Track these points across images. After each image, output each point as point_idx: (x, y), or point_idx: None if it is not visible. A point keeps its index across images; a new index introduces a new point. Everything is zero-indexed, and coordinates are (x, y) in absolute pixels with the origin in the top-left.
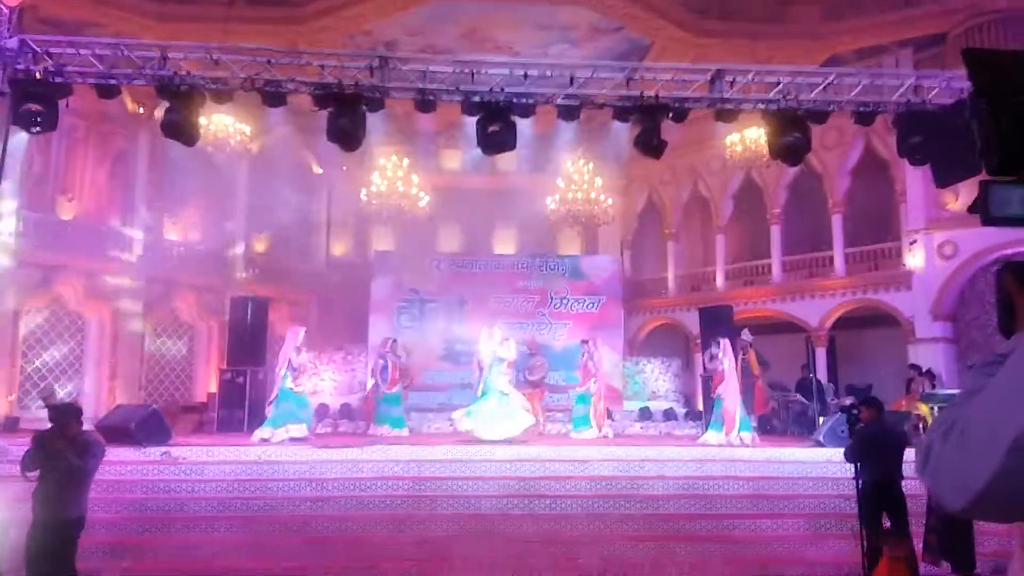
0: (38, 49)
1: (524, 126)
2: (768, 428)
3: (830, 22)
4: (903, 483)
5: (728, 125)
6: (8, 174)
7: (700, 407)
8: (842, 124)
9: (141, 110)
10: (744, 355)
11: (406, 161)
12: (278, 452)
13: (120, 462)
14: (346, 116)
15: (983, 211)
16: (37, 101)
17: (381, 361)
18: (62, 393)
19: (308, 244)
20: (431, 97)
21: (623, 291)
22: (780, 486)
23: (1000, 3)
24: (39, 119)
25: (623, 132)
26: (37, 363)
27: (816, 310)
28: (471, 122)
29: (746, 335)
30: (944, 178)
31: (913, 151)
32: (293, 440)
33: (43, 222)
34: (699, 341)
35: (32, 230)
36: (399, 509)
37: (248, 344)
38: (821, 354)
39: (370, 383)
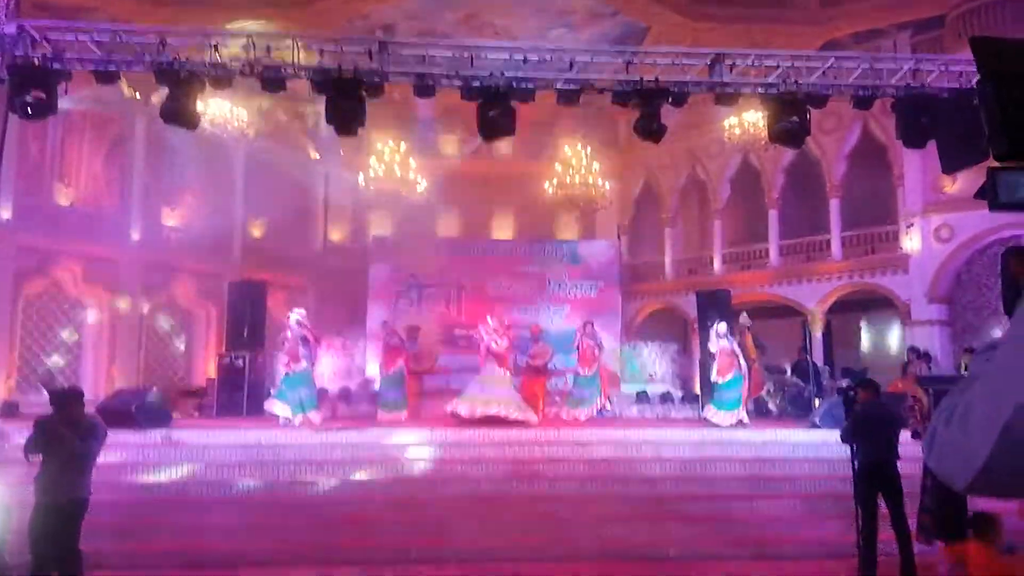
0: (36, 35)
1: (522, 110)
2: (764, 411)
3: (827, 6)
4: (898, 464)
5: (726, 108)
6: (5, 160)
7: (697, 390)
8: (840, 108)
9: (138, 95)
10: (741, 338)
11: (404, 146)
12: (278, 435)
13: (122, 445)
14: (345, 101)
15: (991, 197)
16: (35, 87)
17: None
18: (60, 378)
19: (306, 229)
20: (430, 82)
21: (620, 275)
22: (776, 467)
23: None
24: (38, 106)
25: (621, 115)
26: (36, 348)
27: (813, 294)
28: (469, 107)
29: (744, 319)
30: (952, 164)
31: (913, 135)
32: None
33: (40, 208)
34: (696, 325)
35: (29, 216)
36: (399, 491)
37: (247, 329)
38: (818, 338)
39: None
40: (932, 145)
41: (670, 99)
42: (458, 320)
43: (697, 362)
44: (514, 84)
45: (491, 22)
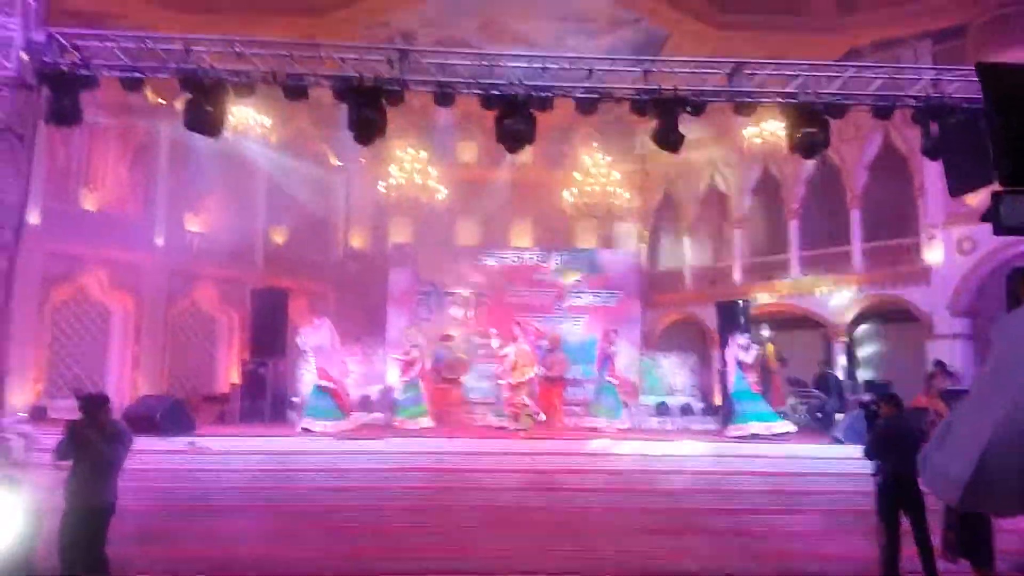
0: (65, 42)
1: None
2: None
3: (848, 15)
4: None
5: (746, 118)
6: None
7: (718, 402)
8: (860, 118)
9: (163, 102)
10: (762, 350)
11: (424, 154)
12: (301, 443)
13: (146, 451)
14: (366, 109)
15: (995, 220)
16: (64, 94)
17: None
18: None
19: (327, 236)
20: (450, 90)
21: (640, 285)
22: (798, 482)
23: None
24: (67, 112)
25: (640, 125)
26: (63, 353)
27: (834, 306)
28: (488, 115)
29: (764, 330)
30: (958, 187)
31: (934, 147)
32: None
33: (68, 213)
34: (717, 336)
35: (57, 221)
36: (419, 500)
37: (269, 336)
38: (839, 350)
39: None
40: None
41: (688, 108)
42: (476, 328)
43: (716, 373)
44: (533, 93)
45: (509, 28)
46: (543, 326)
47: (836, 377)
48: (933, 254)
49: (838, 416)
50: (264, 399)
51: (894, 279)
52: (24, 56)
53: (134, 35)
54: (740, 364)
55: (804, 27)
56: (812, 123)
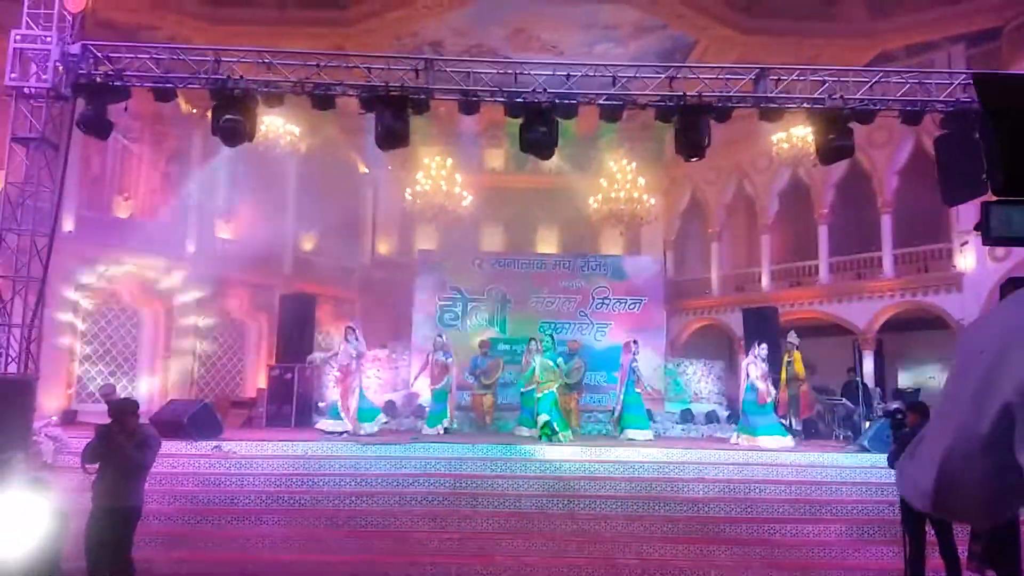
0: (99, 54)
1: (567, 126)
2: (813, 432)
3: (878, 18)
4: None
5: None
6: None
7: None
8: (891, 123)
9: (195, 111)
10: (790, 358)
11: (449, 161)
12: (324, 448)
13: (173, 455)
14: (392, 118)
15: (984, 230)
16: (98, 105)
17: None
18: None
19: (354, 243)
20: (475, 99)
21: (665, 291)
22: (823, 491)
23: None
24: (100, 123)
25: (666, 131)
26: (95, 358)
27: (864, 312)
28: (514, 122)
29: (792, 337)
30: (952, 197)
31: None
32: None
33: (101, 220)
34: (743, 342)
35: (91, 228)
36: (440, 506)
37: (296, 341)
38: (868, 357)
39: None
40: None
41: (713, 115)
42: (501, 335)
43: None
44: (557, 100)
45: (538, 37)
46: (564, 333)
47: (865, 385)
48: (965, 260)
49: (866, 424)
50: (290, 404)
51: (925, 285)
52: (60, 68)
53: (166, 46)
54: (749, 375)
55: (835, 32)
56: (838, 129)
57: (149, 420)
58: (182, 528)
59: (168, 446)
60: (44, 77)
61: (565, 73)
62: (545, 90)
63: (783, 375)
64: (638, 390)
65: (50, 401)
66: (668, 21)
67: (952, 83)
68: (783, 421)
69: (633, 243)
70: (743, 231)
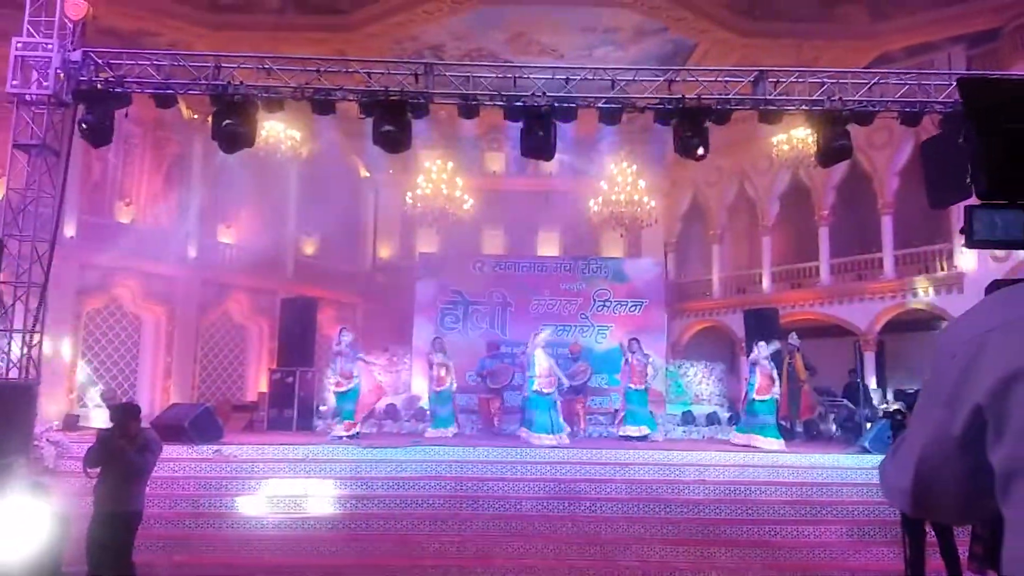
0: (100, 61)
1: (566, 129)
2: (815, 433)
3: (878, 20)
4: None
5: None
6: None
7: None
8: (891, 124)
9: (196, 117)
10: (791, 359)
11: (450, 164)
12: (325, 451)
13: (174, 459)
14: (392, 122)
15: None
16: (99, 111)
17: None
18: (120, 393)
19: (355, 246)
20: (474, 103)
21: (666, 294)
22: (823, 492)
23: None
24: (101, 129)
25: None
26: (96, 363)
27: (865, 313)
28: (514, 126)
29: (793, 339)
30: (938, 199)
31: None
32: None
33: (102, 226)
34: (744, 344)
35: (92, 233)
36: (441, 508)
37: (297, 345)
38: (870, 358)
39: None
40: None
41: (712, 117)
42: (503, 337)
43: (744, 382)
44: (556, 104)
45: (538, 41)
46: (564, 336)
47: (866, 386)
48: (966, 261)
49: (867, 426)
50: (291, 408)
51: (926, 287)
52: (61, 75)
53: (167, 53)
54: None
55: (835, 34)
56: (837, 131)
57: (150, 424)
58: (183, 532)
59: (169, 450)
60: (45, 84)
61: (564, 77)
62: (544, 94)
63: (784, 376)
64: (631, 386)
65: (51, 406)
66: (668, 25)
67: (951, 84)
68: (783, 423)
69: (634, 245)
70: (744, 233)
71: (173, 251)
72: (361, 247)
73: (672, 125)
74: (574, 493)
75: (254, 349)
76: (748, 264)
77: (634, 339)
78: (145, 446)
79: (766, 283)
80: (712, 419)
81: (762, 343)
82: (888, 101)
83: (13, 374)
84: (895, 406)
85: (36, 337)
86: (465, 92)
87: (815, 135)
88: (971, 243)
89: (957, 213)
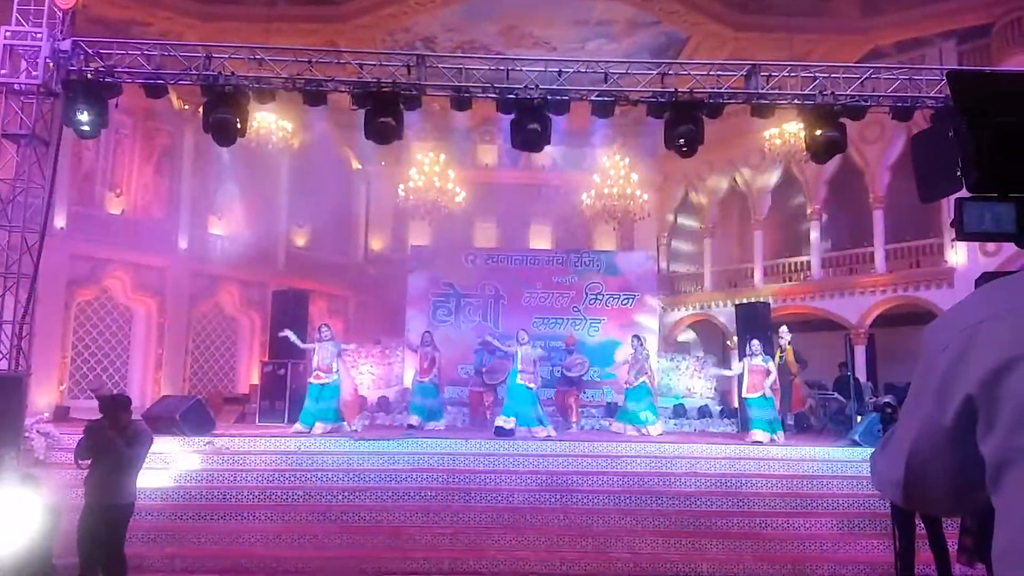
0: (90, 51)
1: (559, 122)
2: (805, 427)
3: (870, 15)
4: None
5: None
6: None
7: (736, 404)
8: (883, 118)
9: (186, 107)
10: (782, 353)
11: (442, 157)
12: (317, 443)
13: (165, 451)
14: (384, 114)
15: (958, 227)
16: (89, 101)
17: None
18: (110, 384)
19: (347, 239)
20: (467, 95)
21: (658, 287)
22: (813, 484)
23: None
24: (92, 120)
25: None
26: (86, 354)
27: (856, 307)
28: (507, 118)
29: (784, 332)
30: (929, 193)
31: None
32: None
33: (92, 217)
34: (735, 338)
35: (82, 224)
36: (433, 501)
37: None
38: (860, 352)
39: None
40: None
41: (705, 111)
42: (494, 330)
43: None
44: (549, 97)
45: (530, 33)
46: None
47: (856, 379)
48: (956, 255)
49: (858, 419)
50: (283, 400)
51: (917, 281)
52: (50, 64)
53: (157, 43)
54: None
55: (827, 28)
56: (829, 125)
57: (141, 416)
58: (174, 524)
59: (160, 442)
60: (35, 73)
61: (557, 69)
62: (537, 86)
63: (774, 369)
64: (626, 383)
65: (42, 398)
66: (661, 18)
67: (942, 79)
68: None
69: (626, 239)
70: (736, 227)
71: (164, 242)
72: (353, 239)
73: (664, 120)
74: (566, 486)
75: (245, 341)
76: (740, 258)
77: (635, 336)
78: (135, 438)
79: (758, 277)
80: (703, 412)
81: (755, 341)
82: (880, 96)
83: (3, 365)
84: (885, 399)
85: (26, 328)
86: (457, 84)
87: (807, 129)
88: (961, 235)
89: (948, 208)
